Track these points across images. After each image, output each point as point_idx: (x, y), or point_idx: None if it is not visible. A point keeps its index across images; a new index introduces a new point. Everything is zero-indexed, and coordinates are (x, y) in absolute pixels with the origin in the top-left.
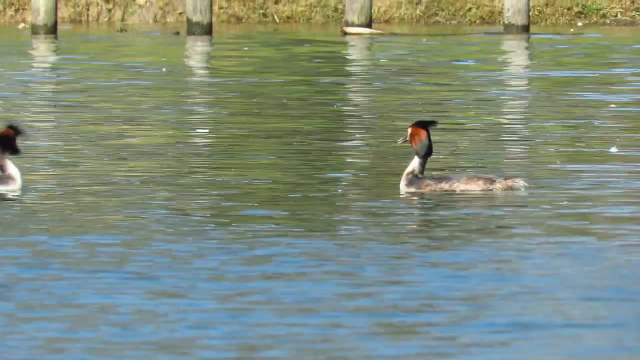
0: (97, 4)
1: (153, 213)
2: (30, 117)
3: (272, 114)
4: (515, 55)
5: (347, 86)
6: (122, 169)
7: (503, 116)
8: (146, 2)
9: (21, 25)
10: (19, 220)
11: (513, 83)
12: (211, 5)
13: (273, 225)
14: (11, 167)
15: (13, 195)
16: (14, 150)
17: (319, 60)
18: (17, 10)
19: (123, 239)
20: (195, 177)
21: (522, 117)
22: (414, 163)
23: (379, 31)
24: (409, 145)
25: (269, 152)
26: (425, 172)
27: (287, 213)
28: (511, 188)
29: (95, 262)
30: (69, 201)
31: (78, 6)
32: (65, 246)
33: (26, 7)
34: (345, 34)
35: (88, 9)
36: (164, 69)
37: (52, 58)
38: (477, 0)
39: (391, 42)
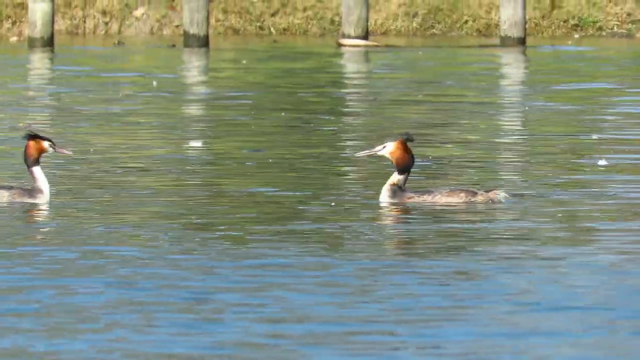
0: (94, 16)
1: (154, 226)
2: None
3: (269, 125)
4: (511, 67)
5: (342, 98)
6: (117, 181)
7: (497, 128)
8: (143, 14)
9: (13, 39)
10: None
11: (508, 95)
12: (208, 18)
13: (268, 237)
14: (41, 179)
15: (39, 209)
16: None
17: (314, 73)
18: (14, 23)
19: (122, 251)
20: (188, 189)
21: (517, 128)
22: (397, 175)
23: (375, 43)
24: (384, 158)
25: (264, 165)
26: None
27: (278, 227)
28: (492, 200)
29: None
30: (70, 213)
31: (75, 18)
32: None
33: (23, 19)
34: (341, 46)
35: (85, 22)
36: (154, 83)
37: (48, 71)
38: (473, 12)
39: (386, 55)
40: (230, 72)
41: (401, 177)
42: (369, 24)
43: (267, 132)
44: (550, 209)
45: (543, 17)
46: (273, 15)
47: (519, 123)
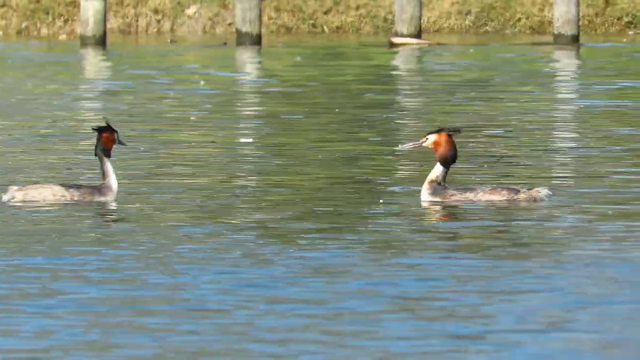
0: (146, 14)
1: (204, 225)
2: (85, 129)
3: (321, 122)
4: (565, 65)
5: (394, 96)
6: (169, 179)
7: (550, 125)
8: (195, 13)
9: (62, 37)
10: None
11: (561, 92)
12: (260, 16)
13: (313, 236)
14: (111, 175)
15: (108, 207)
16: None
17: (367, 70)
18: (66, 21)
19: (172, 249)
20: (238, 187)
21: (570, 126)
22: (437, 170)
23: (426, 41)
24: (431, 152)
25: (315, 162)
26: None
27: (326, 225)
28: (535, 199)
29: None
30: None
31: (127, 17)
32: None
33: (75, 18)
34: (393, 44)
35: (137, 20)
36: (202, 82)
37: (102, 69)
38: (527, 10)
39: (438, 53)
40: (282, 69)
41: (440, 172)
42: (421, 22)
43: (319, 129)
44: (600, 205)
45: (596, 14)
46: (326, 13)
47: (572, 120)
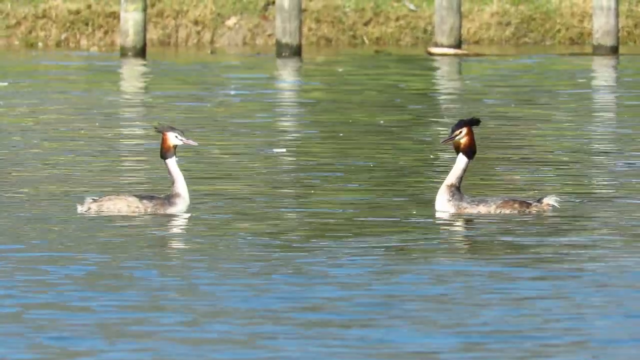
0: (187, 26)
1: (234, 236)
2: (127, 140)
3: (363, 132)
4: (604, 76)
5: (435, 107)
6: (204, 188)
7: (590, 136)
8: (235, 24)
9: (93, 48)
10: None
11: (601, 103)
12: (300, 27)
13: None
14: (178, 179)
15: (177, 219)
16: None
17: (406, 81)
18: (105, 33)
19: (205, 260)
20: (273, 197)
21: (609, 136)
22: (457, 169)
23: (464, 52)
24: (452, 146)
25: (352, 174)
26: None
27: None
28: (546, 212)
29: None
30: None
31: (167, 28)
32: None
33: (115, 29)
34: (431, 54)
35: (177, 31)
36: (232, 92)
37: (141, 80)
38: (566, 21)
39: (476, 63)
40: (322, 80)
41: (461, 169)
42: (461, 33)
43: (359, 139)
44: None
45: (636, 25)
46: (366, 24)
47: (611, 131)
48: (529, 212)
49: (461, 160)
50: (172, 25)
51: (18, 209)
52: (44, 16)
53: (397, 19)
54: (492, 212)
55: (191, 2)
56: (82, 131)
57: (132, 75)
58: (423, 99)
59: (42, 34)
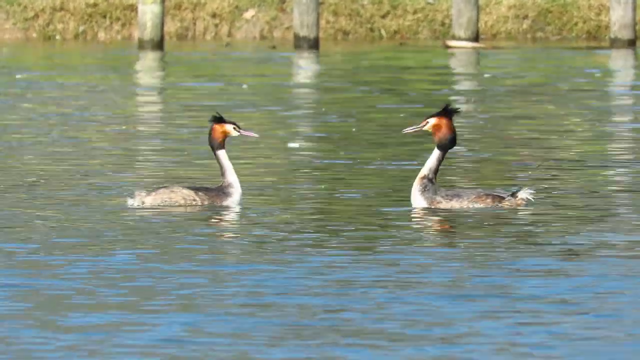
0: (204, 18)
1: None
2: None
3: (378, 125)
4: (621, 69)
5: (451, 99)
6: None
7: (605, 130)
8: (253, 16)
9: (114, 38)
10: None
11: (617, 97)
12: (318, 20)
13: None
14: (228, 170)
15: (229, 212)
16: (220, 144)
17: (423, 74)
18: (123, 25)
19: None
20: (285, 190)
21: (625, 131)
22: (431, 160)
23: (481, 45)
24: (430, 136)
25: (363, 169)
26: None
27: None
28: (519, 206)
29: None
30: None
31: (185, 21)
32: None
33: (132, 22)
34: (448, 47)
35: (195, 24)
36: (244, 86)
37: (158, 73)
38: (583, 14)
39: (493, 56)
40: (340, 73)
41: (434, 162)
42: (479, 26)
43: (372, 133)
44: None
45: None
46: (383, 17)
47: (627, 125)
48: (502, 206)
49: (432, 157)
50: (190, 18)
51: (63, 205)
52: (61, 9)
53: (415, 12)
54: (466, 206)
55: None
56: (124, 127)
57: (149, 68)
58: (439, 91)
59: (59, 26)
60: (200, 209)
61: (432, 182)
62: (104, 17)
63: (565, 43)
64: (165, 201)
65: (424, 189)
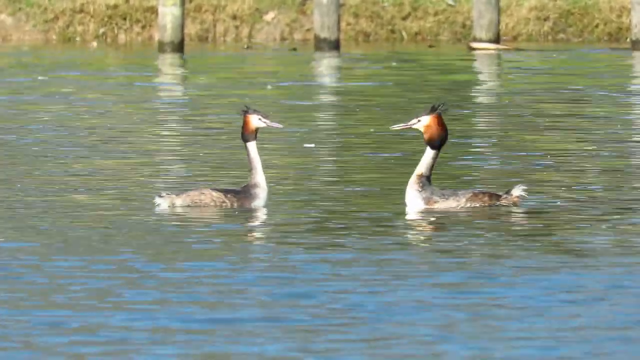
0: (225, 20)
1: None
2: (163, 136)
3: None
4: None
5: (477, 102)
6: (232, 181)
7: (627, 133)
8: (273, 18)
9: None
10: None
11: (637, 98)
12: (339, 22)
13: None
14: (258, 168)
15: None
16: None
17: (448, 75)
18: (143, 27)
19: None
20: (301, 191)
21: None
22: (426, 159)
23: (506, 47)
24: (420, 134)
25: (377, 175)
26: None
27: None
28: (515, 204)
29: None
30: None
31: (205, 23)
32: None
33: (152, 24)
34: (472, 49)
35: (215, 26)
36: (269, 86)
37: (178, 75)
38: (604, 16)
39: (518, 58)
40: (361, 74)
41: (428, 160)
42: (500, 27)
43: (394, 135)
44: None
45: None
46: (404, 19)
47: None
48: (499, 204)
49: (426, 156)
50: (210, 20)
51: (95, 211)
52: (81, 11)
53: (436, 14)
54: (462, 205)
55: None
56: (141, 127)
57: (169, 70)
58: (463, 93)
59: (79, 28)
60: (228, 211)
61: (429, 181)
62: (124, 19)
63: (586, 45)
64: (195, 203)
65: (422, 188)
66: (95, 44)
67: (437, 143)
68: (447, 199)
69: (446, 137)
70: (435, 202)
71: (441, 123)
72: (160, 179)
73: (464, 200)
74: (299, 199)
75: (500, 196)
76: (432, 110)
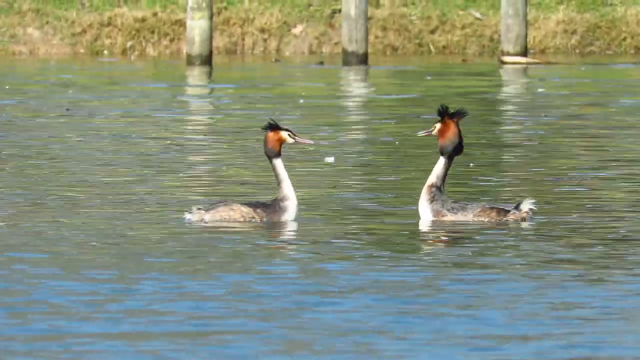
0: (253, 34)
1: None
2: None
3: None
4: None
5: (509, 115)
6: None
7: None
8: (301, 32)
9: (135, 54)
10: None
11: None
12: (367, 35)
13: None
14: (287, 182)
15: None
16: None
17: (480, 89)
18: (172, 40)
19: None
20: (318, 204)
21: None
22: (437, 168)
23: (536, 61)
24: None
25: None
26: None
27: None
28: (524, 219)
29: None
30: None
31: (233, 36)
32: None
33: (181, 37)
34: (503, 63)
35: (243, 39)
36: (301, 100)
37: (206, 89)
38: (632, 30)
39: (548, 72)
40: (389, 88)
41: (440, 169)
42: (527, 41)
43: (418, 153)
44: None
45: None
46: (432, 32)
47: None
48: (507, 220)
49: (439, 164)
50: (239, 33)
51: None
52: (109, 24)
53: (463, 27)
54: (470, 219)
55: (257, 10)
56: (168, 141)
57: (198, 82)
58: (494, 108)
59: (107, 41)
60: (258, 226)
61: (440, 191)
62: (152, 32)
63: (614, 58)
64: (225, 218)
65: (433, 199)
66: (134, 54)
67: (449, 149)
68: (455, 213)
69: (460, 146)
70: (444, 215)
71: (455, 129)
72: (189, 194)
73: (471, 215)
74: (328, 212)
75: (508, 211)
76: (450, 116)
